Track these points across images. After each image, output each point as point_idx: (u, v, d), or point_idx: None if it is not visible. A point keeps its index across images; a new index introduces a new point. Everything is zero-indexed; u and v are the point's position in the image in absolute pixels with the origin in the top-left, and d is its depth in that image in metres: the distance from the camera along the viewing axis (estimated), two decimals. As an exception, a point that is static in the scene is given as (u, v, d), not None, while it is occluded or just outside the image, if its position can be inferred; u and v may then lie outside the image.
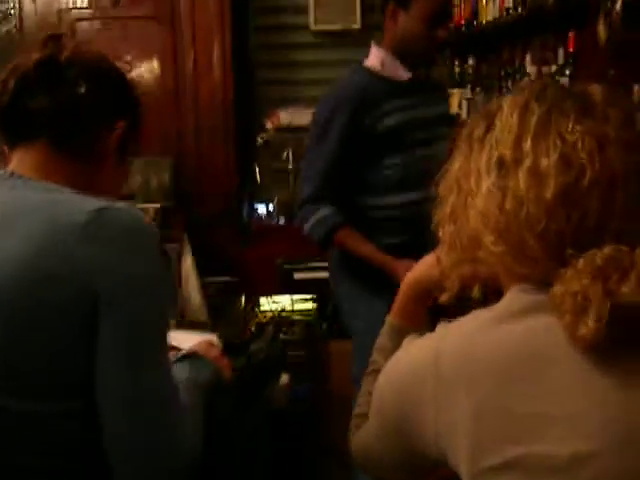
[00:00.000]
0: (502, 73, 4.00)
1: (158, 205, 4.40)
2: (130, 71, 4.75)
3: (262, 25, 5.21)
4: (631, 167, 1.08)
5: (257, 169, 5.02)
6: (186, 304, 3.71)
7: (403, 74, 2.86)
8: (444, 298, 1.26)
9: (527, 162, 1.09)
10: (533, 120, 1.10)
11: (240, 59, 4.95)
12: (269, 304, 4.52)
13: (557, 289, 1.05)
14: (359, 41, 5.31)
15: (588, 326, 1.01)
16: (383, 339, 1.43)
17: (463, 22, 4.41)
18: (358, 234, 2.79)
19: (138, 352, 1.32)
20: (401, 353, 1.21)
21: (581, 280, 1.03)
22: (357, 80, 2.89)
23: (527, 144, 1.09)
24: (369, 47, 5.37)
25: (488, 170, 1.13)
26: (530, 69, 3.64)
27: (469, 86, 4.42)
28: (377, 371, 1.25)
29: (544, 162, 1.07)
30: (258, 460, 3.29)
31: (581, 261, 1.04)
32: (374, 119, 2.78)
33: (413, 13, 2.75)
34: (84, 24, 4.73)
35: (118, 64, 1.62)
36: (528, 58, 3.70)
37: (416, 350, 1.17)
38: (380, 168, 2.79)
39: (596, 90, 1.14)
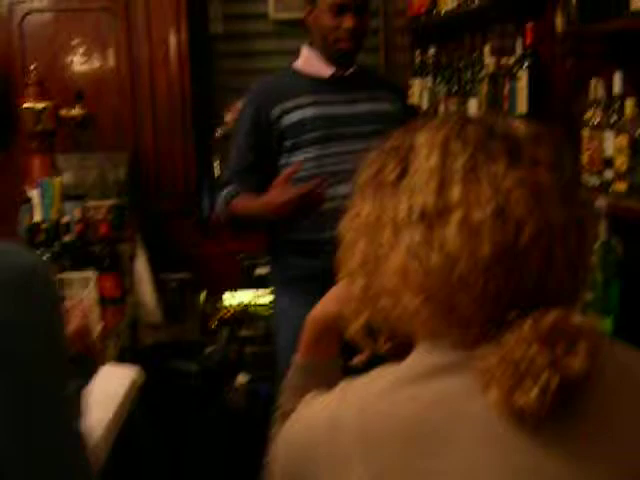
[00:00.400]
0: (461, 64, 3.91)
1: (111, 202, 4.30)
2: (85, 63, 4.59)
3: (222, 14, 5.10)
4: (570, 219, 0.99)
5: (216, 163, 4.92)
6: (140, 306, 3.63)
7: (326, 71, 2.80)
8: (350, 336, 1.16)
9: (457, 214, 0.96)
10: (458, 164, 0.97)
11: (199, 49, 4.84)
12: (230, 300, 4.46)
13: (492, 354, 0.94)
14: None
15: (529, 397, 0.91)
16: (293, 379, 1.33)
17: (423, 10, 4.32)
18: (248, 196, 2.72)
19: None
20: (298, 413, 1.10)
21: (525, 347, 0.93)
22: (273, 77, 2.93)
23: (454, 193, 0.96)
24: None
25: (407, 221, 0.99)
26: (488, 60, 3.55)
27: (430, 76, 4.33)
28: (286, 414, 1.15)
29: (477, 215, 0.95)
30: (214, 461, 3.22)
31: (525, 326, 0.94)
32: (279, 114, 2.73)
33: (320, 6, 2.72)
34: (36, 16, 4.59)
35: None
36: (487, 49, 3.61)
37: (312, 413, 1.06)
38: (289, 164, 2.73)
39: (521, 128, 1.02)
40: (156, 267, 4.38)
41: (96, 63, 4.67)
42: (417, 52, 4.56)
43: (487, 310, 0.96)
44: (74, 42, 4.60)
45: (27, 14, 4.60)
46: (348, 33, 2.70)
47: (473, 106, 3.75)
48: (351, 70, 2.83)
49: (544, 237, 0.96)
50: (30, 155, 3.97)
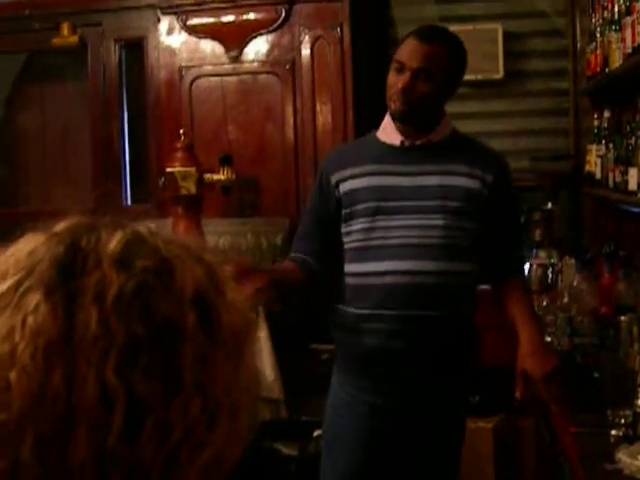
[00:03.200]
0: (627, 129, 3.47)
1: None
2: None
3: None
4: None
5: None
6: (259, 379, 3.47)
7: (396, 139, 2.52)
8: None
9: None
10: None
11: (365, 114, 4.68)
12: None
13: None
14: (502, 91, 4.94)
15: None
16: None
17: (598, 69, 3.91)
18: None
19: None
20: None
21: None
22: (352, 143, 2.74)
23: None
24: (513, 97, 5.07)
25: None
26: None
27: (603, 142, 3.90)
28: None
29: None
30: None
31: None
32: (337, 182, 2.52)
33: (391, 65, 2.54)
34: (203, 80, 4.65)
35: None
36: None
37: None
38: (348, 233, 2.51)
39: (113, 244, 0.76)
40: (308, 336, 4.23)
41: (261, 127, 4.62)
42: (595, 115, 4.14)
43: None
44: (239, 106, 4.57)
45: (196, 78, 4.65)
46: (398, 93, 2.44)
47: (633, 176, 3.31)
48: (432, 139, 2.54)
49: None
50: (177, 219, 3.98)
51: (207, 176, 3.94)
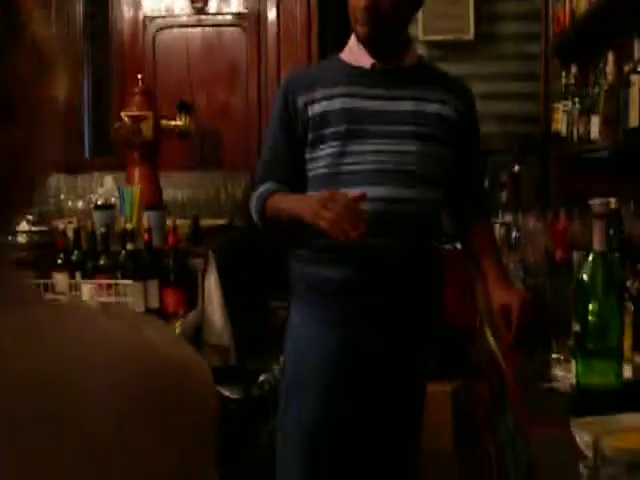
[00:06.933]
0: (593, 77, 3.41)
1: (222, 221, 4.12)
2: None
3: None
4: None
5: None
6: (208, 326, 3.38)
7: (367, 61, 2.41)
8: None
9: None
10: None
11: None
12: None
13: None
14: (472, 53, 4.87)
15: None
16: None
17: (567, 24, 3.84)
18: (283, 194, 2.39)
19: None
20: None
21: None
22: (313, 65, 2.57)
23: None
24: (483, 59, 4.99)
25: None
26: (610, 69, 3.06)
27: (570, 97, 3.84)
28: None
29: None
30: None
31: None
32: (306, 103, 2.39)
33: None
34: (167, 32, 4.56)
35: None
36: (610, 57, 3.11)
37: None
38: (313, 159, 2.38)
39: None
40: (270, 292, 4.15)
41: (225, 80, 4.54)
42: (563, 74, 4.07)
43: None
44: (203, 59, 4.49)
45: (160, 29, 4.56)
46: (362, 13, 2.33)
47: (595, 124, 3.24)
48: (403, 64, 2.44)
49: None
50: (132, 166, 3.88)
51: (164, 122, 3.84)
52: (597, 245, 1.56)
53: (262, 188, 2.43)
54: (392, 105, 2.39)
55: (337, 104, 2.38)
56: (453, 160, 2.41)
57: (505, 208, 4.34)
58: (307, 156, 2.41)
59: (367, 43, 2.38)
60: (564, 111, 3.91)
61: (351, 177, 2.32)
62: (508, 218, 4.32)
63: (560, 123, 4.03)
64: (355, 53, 2.45)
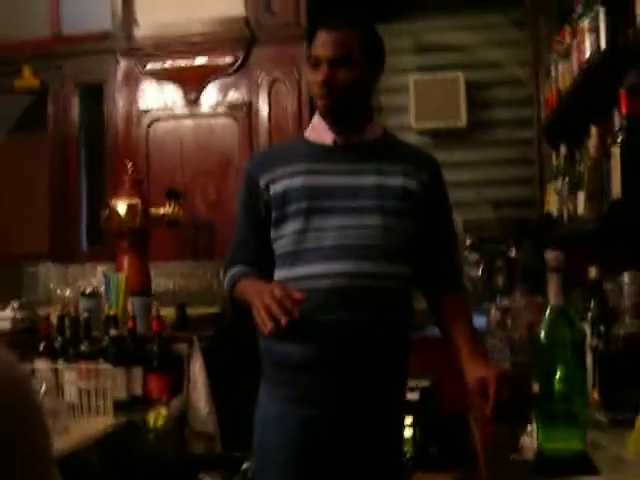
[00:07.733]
0: (578, 154, 3.39)
1: (213, 310, 4.08)
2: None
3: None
4: None
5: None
6: (193, 413, 3.30)
7: (327, 138, 2.41)
8: None
9: None
10: None
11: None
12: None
13: None
14: (465, 140, 4.89)
15: None
16: None
17: (554, 104, 3.86)
18: (250, 278, 2.34)
19: None
20: None
21: None
22: (276, 145, 2.57)
23: None
24: (476, 146, 5.00)
25: None
26: (593, 142, 3.04)
27: (560, 177, 3.81)
28: None
29: None
30: None
31: None
32: (267, 183, 2.37)
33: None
34: (160, 124, 4.62)
35: None
36: (593, 130, 3.10)
37: None
38: (277, 238, 2.34)
39: None
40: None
41: (218, 170, 4.56)
42: (554, 155, 4.07)
43: None
44: (196, 149, 4.53)
45: (154, 121, 4.62)
46: (320, 87, 2.34)
47: (581, 200, 3.21)
48: (365, 138, 2.43)
49: None
50: (122, 254, 3.87)
51: (152, 210, 3.84)
52: (553, 299, 1.50)
53: (231, 273, 2.41)
54: (355, 180, 2.36)
55: (298, 182, 2.36)
56: (420, 234, 2.36)
57: (502, 293, 4.29)
58: (272, 235, 2.37)
59: (328, 117, 2.37)
60: (556, 192, 3.89)
61: (312, 254, 2.28)
62: (505, 303, 4.27)
63: (552, 204, 4.00)
64: (317, 130, 2.44)
